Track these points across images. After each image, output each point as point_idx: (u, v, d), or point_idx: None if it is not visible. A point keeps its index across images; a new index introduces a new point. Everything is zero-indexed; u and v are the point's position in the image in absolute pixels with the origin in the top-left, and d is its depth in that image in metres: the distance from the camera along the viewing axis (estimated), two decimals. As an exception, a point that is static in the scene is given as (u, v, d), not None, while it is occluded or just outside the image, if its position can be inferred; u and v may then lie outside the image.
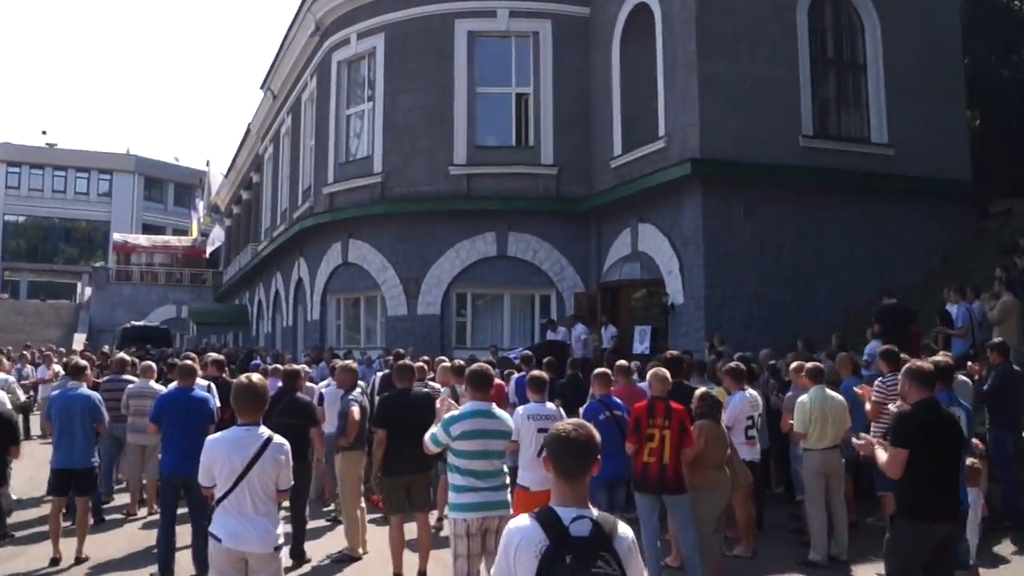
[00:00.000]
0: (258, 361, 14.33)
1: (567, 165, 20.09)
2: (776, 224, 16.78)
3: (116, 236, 49.59)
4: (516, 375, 11.34)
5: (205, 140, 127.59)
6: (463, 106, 20.22)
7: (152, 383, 10.28)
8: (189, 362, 8.25)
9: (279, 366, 11.95)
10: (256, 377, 4.73)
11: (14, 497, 10.72)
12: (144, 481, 10.40)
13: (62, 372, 17.64)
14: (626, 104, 19.08)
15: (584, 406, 7.58)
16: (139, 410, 9.89)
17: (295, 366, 9.17)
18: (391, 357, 13.19)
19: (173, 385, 9.10)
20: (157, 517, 8.22)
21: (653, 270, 17.71)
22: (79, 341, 37.76)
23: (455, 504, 5.39)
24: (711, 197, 16.49)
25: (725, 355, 13.37)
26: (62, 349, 24.82)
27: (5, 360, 14.10)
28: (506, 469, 5.58)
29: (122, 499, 10.97)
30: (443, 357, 12.08)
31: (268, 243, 29.55)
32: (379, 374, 11.34)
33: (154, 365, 10.62)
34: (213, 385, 9.04)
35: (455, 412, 5.51)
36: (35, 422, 15.95)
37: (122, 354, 12.45)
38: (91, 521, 8.75)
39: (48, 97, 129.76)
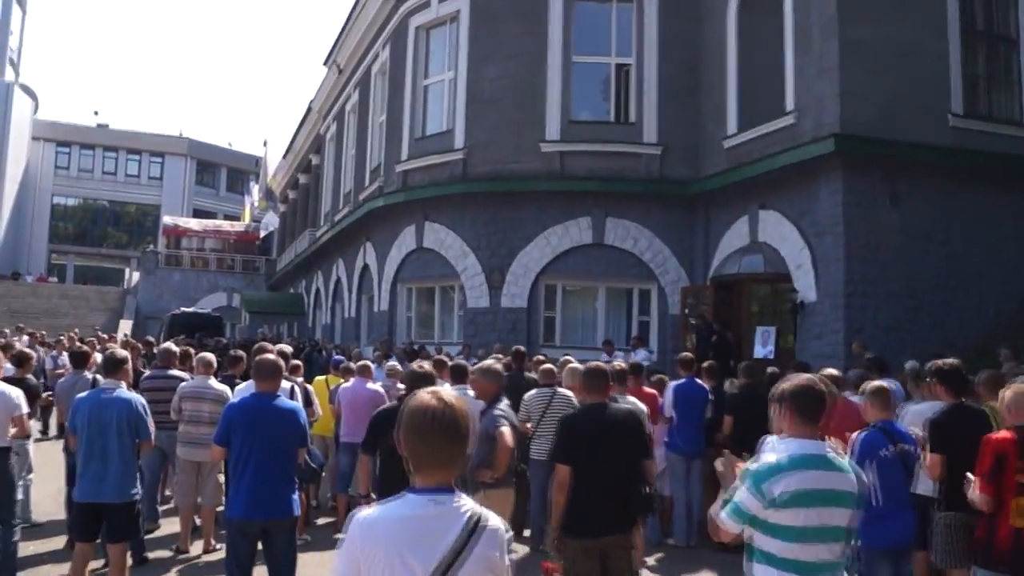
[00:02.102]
0: (340, 357, 12.26)
1: (672, 144, 17.92)
2: (924, 213, 14.50)
3: (167, 219, 48.34)
4: (673, 382, 9.22)
5: (259, 125, 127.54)
6: (557, 77, 18.12)
7: (212, 381, 8.27)
8: (271, 358, 5.85)
9: (358, 364, 9.93)
10: (455, 404, 2.45)
11: (33, 517, 8.76)
12: (200, 506, 8.27)
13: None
14: (743, 77, 16.89)
15: (859, 435, 5.27)
16: (195, 416, 7.95)
17: (423, 366, 6.93)
18: (503, 355, 11.20)
19: (243, 388, 7.12)
20: (217, 556, 6.44)
21: (777, 263, 15.51)
22: (125, 327, 36.37)
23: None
24: (854, 180, 14.26)
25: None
26: (104, 335, 23.05)
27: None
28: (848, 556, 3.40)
29: (170, 526, 8.77)
30: (568, 356, 9.98)
31: (329, 228, 27.72)
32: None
33: (213, 359, 8.57)
34: (301, 390, 7.03)
35: (772, 459, 3.36)
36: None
37: (169, 344, 10.48)
38: (129, 562, 6.68)
39: (101, 77, 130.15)
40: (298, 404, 6.00)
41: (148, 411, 6.30)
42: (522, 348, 10.71)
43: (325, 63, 30.36)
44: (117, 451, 6.01)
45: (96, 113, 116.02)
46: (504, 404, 5.88)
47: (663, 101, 17.99)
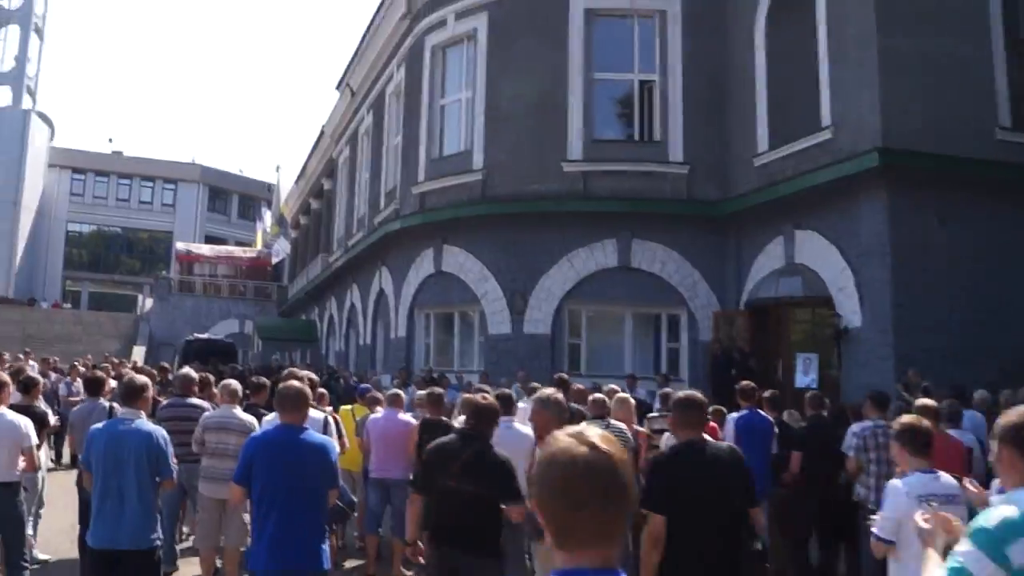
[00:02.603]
0: (367, 385, 11.49)
1: (699, 163, 17.19)
2: (972, 231, 13.65)
3: (179, 245, 47.99)
4: (733, 414, 8.42)
5: (270, 152, 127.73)
6: (578, 94, 17.45)
7: (238, 411, 7.54)
8: (297, 385, 5.12)
9: (389, 393, 9.23)
10: (611, 449, 1.70)
11: (39, 555, 8.09)
12: (223, 547, 7.49)
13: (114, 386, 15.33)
14: (773, 92, 16.18)
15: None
16: (219, 449, 7.25)
17: (479, 396, 6.07)
18: (525, 384, 10.43)
19: (272, 419, 6.40)
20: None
21: (817, 286, 14.71)
22: (138, 354, 35.83)
23: None
24: (899, 197, 13.47)
25: (930, 392, 10.52)
26: (116, 360, 22.35)
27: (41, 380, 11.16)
28: None
29: (189, 568, 8.13)
30: (614, 387, 9.18)
31: (343, 253, 27.08)
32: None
33: (239, 387, 7.85)
34: (333, 421, 6.31)
35: (1011, 513, 2.57)
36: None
37: (188, 369, 9.75)
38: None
39: (115, 105, 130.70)
40: (329, 439, 5.27)
41: (170, 445, 5.60)
42: (565, 376, 9.92)
43: (338, 87, 29.88)
44: (135, 490, 5.32)
45: (110, 140, 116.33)
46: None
47: (689, 118, 17.30)
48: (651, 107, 17.66)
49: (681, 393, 4.87)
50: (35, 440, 6.57)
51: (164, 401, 8.75)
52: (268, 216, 41.57)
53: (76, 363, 19.12)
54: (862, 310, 13.78)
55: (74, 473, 8.18)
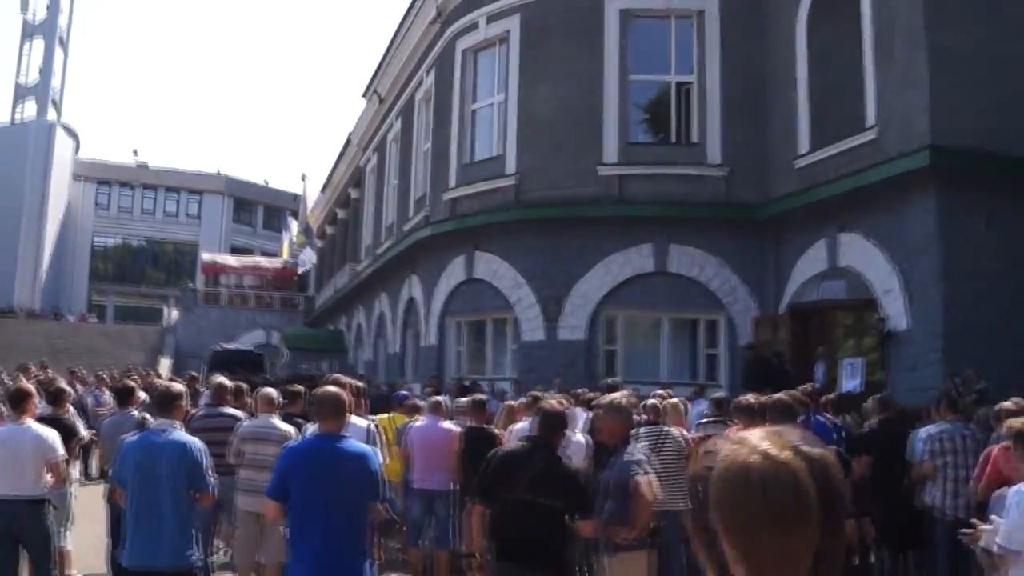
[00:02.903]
0: (405, 392, 11.18)
1: (737, 166, 16.83)
2: (1021, 234, 13.27)
3: (205, 255, 48.02)
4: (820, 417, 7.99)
5: (294, 163, 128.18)
6: (614, 97, 17.14)
7: (276, 420, 7.22)
8: (335, 390, 4.83)
9: (431, 401, 8.93)
10: (790, 459, 1.35)
11: (75, 574, 7.78)
12: (262, 563, 7.19)
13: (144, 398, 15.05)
14: (814, 92, 15.81)
15: None
16: (256, 460, 6.91)
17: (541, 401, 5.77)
18: (562, 391, 10.08)
19: (311, 431, 6.10)
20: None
21: (861, 289, 14.33)
22: (164, 366, 35.79)
23: None
24: (948, 198, 13.07)
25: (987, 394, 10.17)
26: (144, 371, 22.14)
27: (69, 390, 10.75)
28: None
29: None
30: (664, 391, 8.83)
31: (371, 262, 26.86)
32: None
33: (276, 394, 7.55)
34: (376, 428, 5.99)
35: None
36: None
37: (221, 378, 9.42)
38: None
39: (140, 116, 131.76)
40: (371, 447, 4.95)
41: (208, 456, 5.25)
42: (618, 380, 9.54)
43: (364, 94, 29.74)
44: (171, 506, 4.98)
45: (135, 152, 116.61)
46: (638, 448, 4.77)
47: (727, 120, 16.94)
48: (688, 109, 17.34)
49: (774, 396, 4.56)
50: (63, 453, 6.26)
51: (196, 411, 8.42)
52: (294, 226, 41.49)
53: (102, 374, 18.93)
54: (909, 312, 13.38)
55: (102, 487, 7.87)
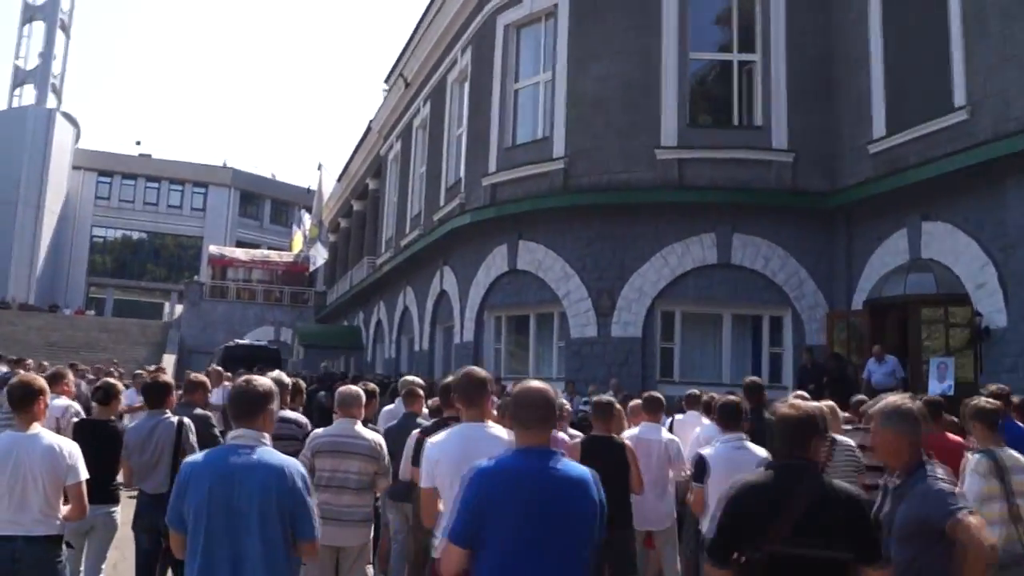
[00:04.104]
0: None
1: (804, 151, 15.64)
2: None
3: (212, 248, 46.60)
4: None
5: (303, 156, 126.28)
6: (673, 75, 15.93)
7: (359, 427, 5.72)
8: (539, 387, 3.33)
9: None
10: None
11: None
12: None
13: (137, 398, 13.37)
14: (890, 72, 14.65)
15: None
16: (335, 480, 5.50)
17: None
18: (618, 392, 8.86)
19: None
20: None
21: (950, 283, 13.16)
22: (168, 362, 34.45)
23: None
24: (1054, 182, 11.94)
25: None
26: (151, 367, 20.67)
27: (71, 377, 9.02)
28: None
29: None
30: (802, 392, 7.62)
31: (394, 254, 25.62)
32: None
33: (361, 393, 6.00)
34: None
35: None
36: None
37: (279, 373, 8.04)
38: None
39: (144, 106, 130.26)
40: (589, 470, 3.28)
41: (310, 487, 3.63)
42: (758, 379, 8.32)
43: (387, 80, 28.56)
44: (261, 560, 3.41)
45: (138, 143, 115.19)
46: (938, 471, 3.46)
47: (793, 102, 15.76)
48: (751, 90, 16.15)
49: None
50: (84, 474, 4.63)
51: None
52: (307, 219, 40.18)
53: (111, 369, 17.61)
54: (1008, 308, 12.23)
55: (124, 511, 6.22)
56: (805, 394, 7.39)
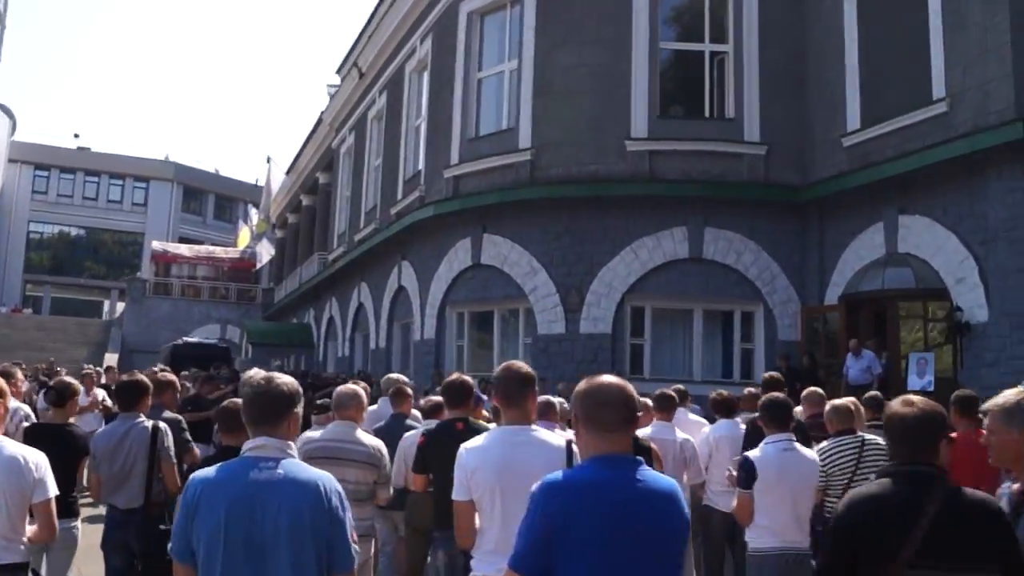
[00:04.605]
0: (484, 397, 9.18)
1: (777, 143, 15.38)
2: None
3: (155, 244, 45.16)
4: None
5: (247, 151, 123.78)
6: (643, 65, 15.53)
7: (359, 432, 5.13)
8: (619, 384, 2.71)
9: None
10: None
11: None
12: None
13: (103, 398, 12.81)
14: (864, 65, 14.44)
15: None
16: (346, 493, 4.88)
17: None
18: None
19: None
20: None
21: (928, 278, 12.96)
22: (111, 361, 33.20)
23: None
24: (1033, 176, 11.77)
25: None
26: (97, 368, 19.65)
27: (19, 375, 8.06)
28: None
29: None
30: (816, 389, 7.18)
31: (347, 249, 24.89)
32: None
33: (362, 393, 5.34)
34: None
35: None
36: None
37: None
38: None
39: (82, 98, 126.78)
40: (674, 481, 2.82)
41: (347, 505, 2.93)
42: (778, 375, 7.89)
43: (339, 70, 27.82)
44: None
45: (77, 136, 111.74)
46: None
47: (765, 94, 15.53)
48: (723, 81, 15.82)
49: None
50: (53, 490, 3.97)
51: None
52: (254, 214, 39.11)
53: (60, 369, 16.80)
54: (989, 303, 12.05)
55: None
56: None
